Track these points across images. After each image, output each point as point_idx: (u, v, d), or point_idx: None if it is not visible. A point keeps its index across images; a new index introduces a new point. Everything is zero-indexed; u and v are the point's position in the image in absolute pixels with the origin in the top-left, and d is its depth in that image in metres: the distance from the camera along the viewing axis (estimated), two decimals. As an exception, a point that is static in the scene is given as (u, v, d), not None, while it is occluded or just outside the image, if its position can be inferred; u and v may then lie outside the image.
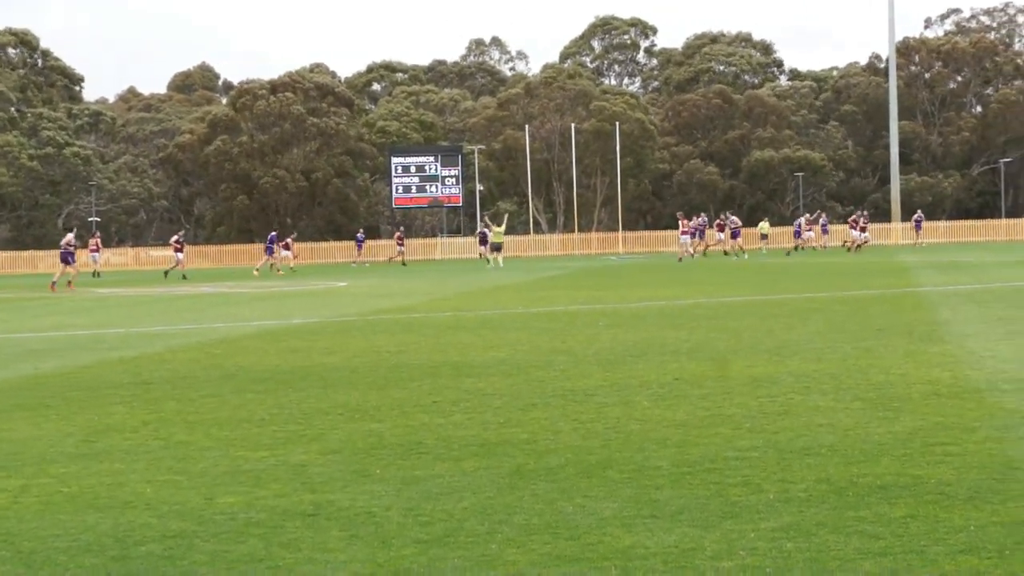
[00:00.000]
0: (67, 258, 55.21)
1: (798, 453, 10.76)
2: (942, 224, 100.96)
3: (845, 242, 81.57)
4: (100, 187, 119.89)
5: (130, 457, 11.66)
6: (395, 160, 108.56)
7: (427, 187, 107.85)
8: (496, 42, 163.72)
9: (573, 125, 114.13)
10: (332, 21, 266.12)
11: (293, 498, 9.66)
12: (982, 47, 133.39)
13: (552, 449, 11.34)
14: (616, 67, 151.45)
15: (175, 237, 72.61)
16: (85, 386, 17.30)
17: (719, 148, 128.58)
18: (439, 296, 39.58)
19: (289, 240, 78.67)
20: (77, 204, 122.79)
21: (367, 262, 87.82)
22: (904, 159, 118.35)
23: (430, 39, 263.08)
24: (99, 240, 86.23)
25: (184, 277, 65.21)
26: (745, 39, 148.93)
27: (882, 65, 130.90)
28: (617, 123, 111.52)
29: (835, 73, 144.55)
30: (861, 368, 16.55)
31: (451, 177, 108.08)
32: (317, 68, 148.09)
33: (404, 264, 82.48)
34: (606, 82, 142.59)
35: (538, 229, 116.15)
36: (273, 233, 76.02)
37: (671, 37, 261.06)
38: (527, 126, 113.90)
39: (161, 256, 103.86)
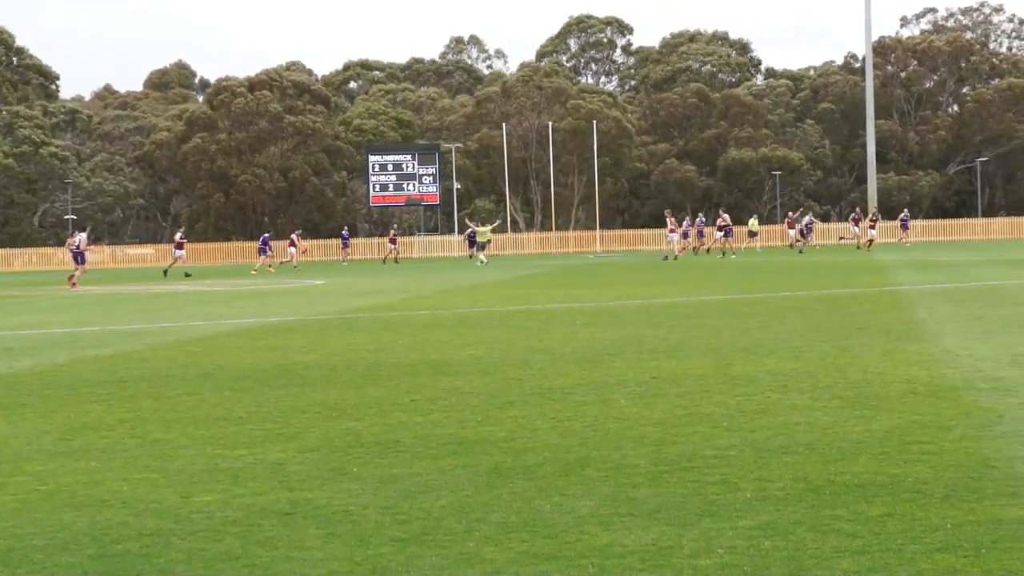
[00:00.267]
0: (77, 257, 55.13)
1: (776, 451, 10.77)
2: (919, 223, 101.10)
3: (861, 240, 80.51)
4: (76, 185, 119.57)
5: (107, 455, 11.63)
6: (372, 158, 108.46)
7: (404, 185, 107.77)
8: (474, 40, 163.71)
9: (550, 124, 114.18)
10: (309, 19, 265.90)
11: (270, 496, 9.64)
12: (958, 46, 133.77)
13: (530, 447, 11.34)
14: (593, 66, 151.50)
15: (177, 235, 72.23)
16: (62, 384, 17.25)
17: (696, 147, 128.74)
18: (417, 294, 39.55)
19: (294, 237, 78.79)
20: (53, 202, 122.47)
21: (346, 260, 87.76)
22: (881, 158, 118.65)
23: (407, 37, 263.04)
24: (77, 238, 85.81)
25: (187, 275, 65.24)
26: (722, 38, 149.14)
27: (858, 64, 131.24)
28: (594, 122, 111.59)
29: (812, 72, 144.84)
30: (839, 367, 16.58)
31: (428, 176, 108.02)
32: (294, 66, 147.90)
33: (396, 262, 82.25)
34: (583, 81, 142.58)
35: (516, 227, 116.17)
36: (266, 235, 75.84)
37: (647, 36, 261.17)
38: (504, 124, 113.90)
39: (137, 254, 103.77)
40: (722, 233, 77.55)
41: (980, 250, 68.08)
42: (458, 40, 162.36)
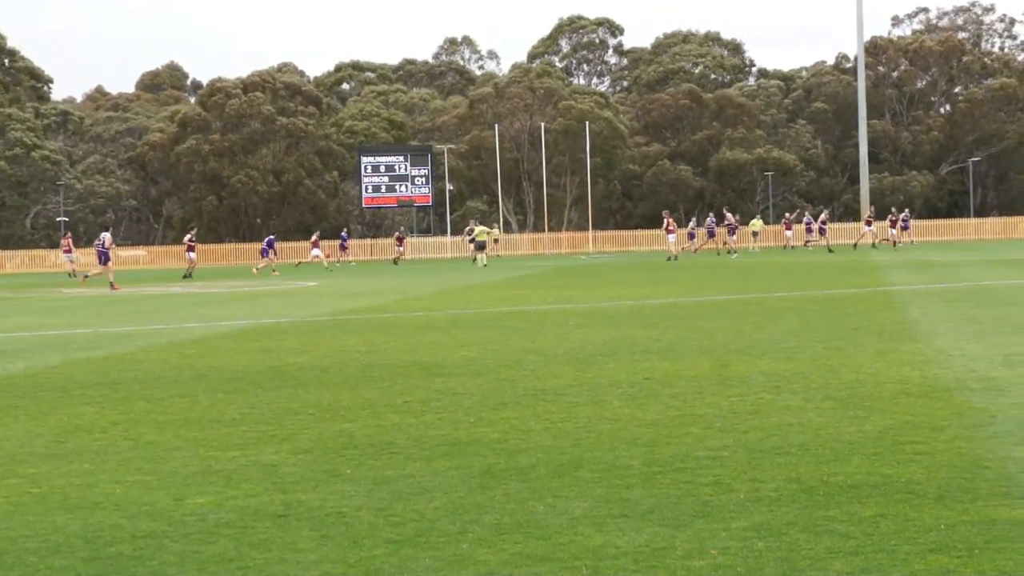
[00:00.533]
0: (101, 256, 54.96)
1: (769, 452, 10.77)
2: (912, 223, 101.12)
3: (884, 239, 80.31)
4: (68, 187, 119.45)
5: (100, 457, 11.62)
6: (364, 160, 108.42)
7: (397, 187, 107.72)
8: (467, 41, 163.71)
9: (542, 124, 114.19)
10: (300, 21, 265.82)
11: (264, 498, 9.63)
12: (949, 46, 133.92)
13: (523, 449, 11.33)
14: (585, 66, 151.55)
15: (188, 236, 71.98)
16: (54, 386, 17.23)
17: (688, 148, 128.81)
18: (410, 296, 39.54)
19: (315, 238, 78.99)
20: (45, 204, 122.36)
21: (338, 262, 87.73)
22: (873, 158, 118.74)
23: (399, 39, 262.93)
24: (71, 241, 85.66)
25: (186, 276, 65.36)
26: (715, 39, 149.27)
27: (850, 64, 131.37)
28: (586, 122, 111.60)
29: (804, 72, 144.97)
30: (832, 367, 16.59)
31: (421, 177, 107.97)
32: (285, 67, 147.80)
33: (396, 263, 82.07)
34: (575, 82, 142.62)
35: (508, 229, 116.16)
36: (271, 236, 75.77)
37: (639, 37, 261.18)
38: (496, 125, 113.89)
39: (129, 256, 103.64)
40: (733, 234, 78.09)
41: (972, 250, 68.13)
42: (451, 41, 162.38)
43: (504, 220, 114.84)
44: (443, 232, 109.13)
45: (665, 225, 73.80)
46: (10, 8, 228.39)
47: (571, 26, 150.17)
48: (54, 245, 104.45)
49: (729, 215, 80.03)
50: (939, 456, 10.36)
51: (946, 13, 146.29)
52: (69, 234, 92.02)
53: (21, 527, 8.97)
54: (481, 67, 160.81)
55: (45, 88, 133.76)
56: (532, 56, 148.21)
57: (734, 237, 77.02)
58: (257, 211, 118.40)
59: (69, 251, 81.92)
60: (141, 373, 18.65)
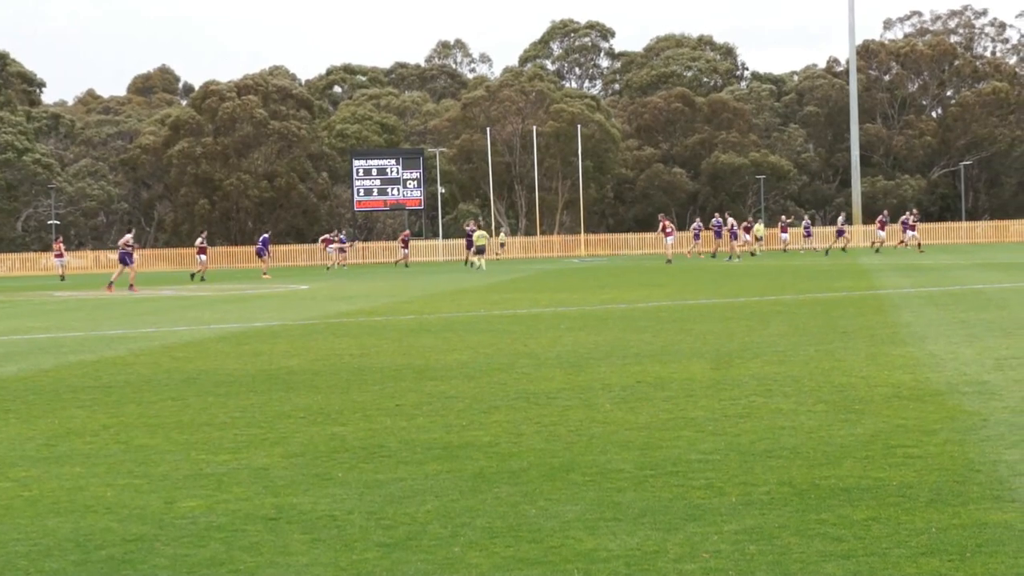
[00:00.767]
0: (125, 258, 54.76)
1: (760, 456, 10.77)
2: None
3: (902, 241, 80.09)
4: (59, 190, 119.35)
5: (91, 461, 11.60)
6: (356, 163, 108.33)
7: (388, 190, 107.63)
8: (459, 44, 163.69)
9: (534, 128, 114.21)
10: (292, 24, 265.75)
11: (255, 502, 9.62)
12: (941, 50, 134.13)
13: (515, 452, 11.33)
14: (577, 70, 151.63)
15: (199, 240, 71.75)
16: (46, 390, 17.21)
17: (681, 151, 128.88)
18: (401, 299, 39.52)
19: (329, 236, 78.89)
20: (36, 207, 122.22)
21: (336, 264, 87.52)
22: (865, 161, 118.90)
23: (391, 42, 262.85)
24: (62, 244, 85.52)
25: (192, 277, 65.44)
26: (707, 42, 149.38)
27: (842, 68, 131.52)
28: (578, 125, 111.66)
29: (795, 77, 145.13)
30: (823, 371, 16.60)
31: (412, 180, 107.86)
32: (276, 71, 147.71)
33: (407, 266, 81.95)
34: (567, 85, 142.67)
35: (499, 232, 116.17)
36: (265, 235, 75.49)
37: (631, 40, 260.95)
38: (488, 129, 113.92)
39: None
40: (750, 234, 78.56)
41: (964, 254, 68.20)
42: (444, 44, 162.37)
43: (496, 223, 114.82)
44: (435, 235, 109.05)
45: (662, 228, 73.82)
46: (2, 12, 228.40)
47: (563, 29, 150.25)
48: (45, 248, 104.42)
49: (731, 219, 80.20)
50: (931, 459, 10.36)
51: (939, 16, 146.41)
52: (60, 237, 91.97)
53: (11, 530, 8.95)
54: (473, 70, 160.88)
55: (36, 92, 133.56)
56: (524, 59, 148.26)
57: (735, 240, 77.14)
58: (249, 214, 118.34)
59: (61, 255, 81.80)
60: (132, 376, 18.63)
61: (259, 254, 73.00)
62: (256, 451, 11.84)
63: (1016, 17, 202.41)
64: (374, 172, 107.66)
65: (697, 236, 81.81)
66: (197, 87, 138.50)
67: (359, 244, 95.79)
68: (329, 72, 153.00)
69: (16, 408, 15.41)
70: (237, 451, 11.87)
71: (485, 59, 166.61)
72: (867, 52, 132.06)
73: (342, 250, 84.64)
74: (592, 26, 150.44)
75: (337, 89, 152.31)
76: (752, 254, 78.60)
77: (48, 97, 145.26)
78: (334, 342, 23.75)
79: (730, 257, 73.96)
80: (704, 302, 33.20)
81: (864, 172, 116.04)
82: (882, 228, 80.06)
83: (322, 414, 14.10)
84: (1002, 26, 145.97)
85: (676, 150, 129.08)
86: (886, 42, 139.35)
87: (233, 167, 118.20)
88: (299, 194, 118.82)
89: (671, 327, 24.90)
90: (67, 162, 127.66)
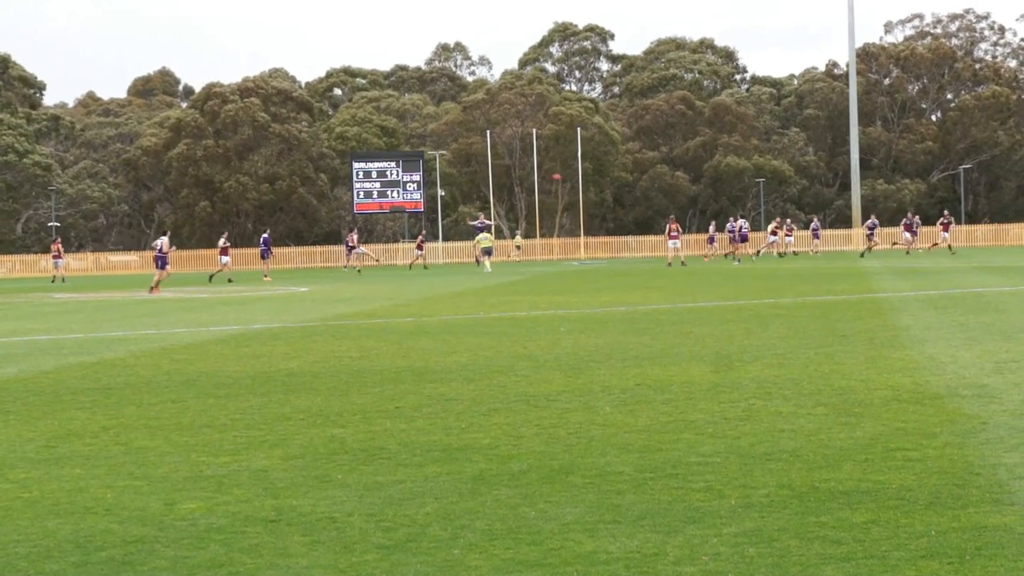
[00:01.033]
0: (159, 261, 54.63)
1: (760, 458, 10.78)
2: (898, 231, 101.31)
3: (936, 243, 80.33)
4: (59, 192, 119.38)
5: (91, 463, 11.61)
6: (356, 165, 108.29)
7: (388, 192, 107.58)
8: (459, 47, 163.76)
9: (534, 131, 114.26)
10: (293, 27, 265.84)
11: (255, 503, 9.62)
12: (940, 53, 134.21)
13: (514, 454, 11.33)
14: (577, 73, 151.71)
15: (221, 241, 71.66)
16: (45, 391, 17.22)
17: (681, 154, 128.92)
18: (401, 301, 39.52)
19: (354, 236, 78.82)
20: (36, 209, 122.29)
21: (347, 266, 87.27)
22: (865, 165, 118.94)
23: (391, 44, 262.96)
24: (60, 246, 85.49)
25: (230, 280, 65.44)
26: (708, 45, 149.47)
27: (841, 71, 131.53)
28: (577, 128, 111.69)
29: (795, 80, 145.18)
30: (823, 373, 16.60)
31: (413, 183, 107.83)
32: (276, 73, 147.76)
33: (425, 267, 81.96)
34: (567, 88, 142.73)
35: (500, 235, 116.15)
36: (265, 235, 75.35)
37: (630, 43, 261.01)
38: (488, 132, 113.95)
39: (120, 261, 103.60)
40: (777, 235, 79.28)
41: (963, 257, 68.20)
42: (444, 47, 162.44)
43: (496, 226, 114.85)
44: (435, 238, 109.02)
45: (668, 231, 73.78)
46: (2, 13, 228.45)
47: (562, 32, 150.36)
48: (45, 250, 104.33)
49: (743, 221, 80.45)
50: (930, 462, 10.36)
51: (939, 19, 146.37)
52: (59, 239, 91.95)
53: (12, 532, 8.96)
54: (473, 73, 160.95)
55: (37, 94, 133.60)
56: (524, 62, 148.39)
57: (740, 244, 77.26)
58: (249, 217, 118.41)
59: (59, 256, 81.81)
60: (132, 378, 18.64)
61: (263, 255, 72.98)
62: (256, 453, 11.84)
63: (1016, 20, 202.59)
64: (374, 175, 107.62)
65: (712, 240, 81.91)
66: (197, 89, 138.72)
67: (369, 248, 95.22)
68: (329, 74, 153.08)
69: (16, 410, 15.41)
70: (237, 453, 11.87)
71: (485, 62, 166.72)
72: (867, 55, 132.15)
73: (351, 251, 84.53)
74: (592, 29, 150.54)
75: (337, 91, 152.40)
76: (780, 255, 79.11)
77: (48, 99, 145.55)
78: (333, 344, 23.76)
79: (736, 259, 74.10)
80: (703, 305, 33.21)
81: (864, 175, 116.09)
82: (908, 231, 79.80)
83: (322, 416, 14.11)
84: (1002, 29, 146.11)
85: (677, 153, 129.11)
86: (886, 45, 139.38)
87: (234, 169, 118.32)
88: (299, 197, 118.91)
89: (670, 330, 24.91)
90: (67, 164, 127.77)
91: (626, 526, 8.56)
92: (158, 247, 55.72)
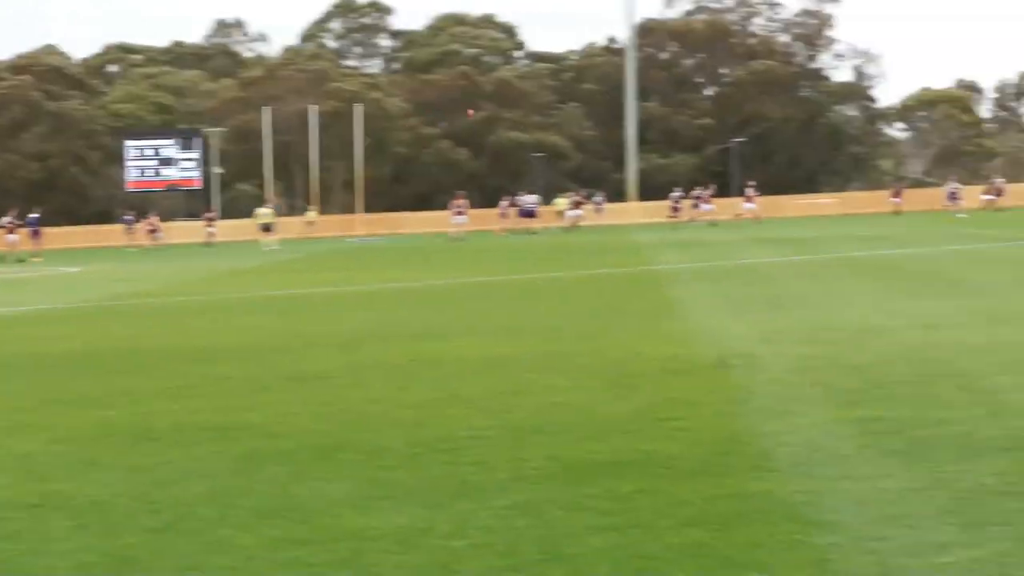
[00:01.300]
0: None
1: (531, 431, 10.83)
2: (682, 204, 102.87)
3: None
4: None
5: None
6: (130, 143, 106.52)
7: (165, 170, 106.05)
8: (238, 24, 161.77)
9: (313, 106, 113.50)
10: (66, 2, 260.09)
11: (17, 489, 9.40)
12: (716, 28, 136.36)
13: (285, 432, 11.23)
14: (358, 48, 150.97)
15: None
16: None
17: (463, 130, 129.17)
18: (178, 281, 39.02)
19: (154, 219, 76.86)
20: None
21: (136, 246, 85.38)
22: (643, 139, 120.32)
23: (168, 21, 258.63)
24: None
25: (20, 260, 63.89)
26: (490, 21, 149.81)
27: (619, 46, 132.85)
28: (356, 104, 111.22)
29: (575, 55, 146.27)
30: (597, 346, 16.73)
31: (189, 160, 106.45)
32: (49, 49, 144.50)
33: (208, 246, 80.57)
34: (349, 64, 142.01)
35: (278, 211, 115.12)
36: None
37: (411, 19, 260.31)
38: (266, 108, 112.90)
39: None
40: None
41: (735, 229, 69.46)
42: (222, 23, 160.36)
43: (274, 203, 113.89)
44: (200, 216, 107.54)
45: (454, 206, 73.79)
46: None
47: (343, 8, 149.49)
48: None
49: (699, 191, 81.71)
50: (698, 432, 10.52)
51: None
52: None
53: None
54: (251, 50, 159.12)
55: None
56: (304, 38, 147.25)
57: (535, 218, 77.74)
58: (17, 197, 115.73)
59: None
60: None
61: (32, 236, 71.21)
62: (20, 437, 11.56)
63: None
64: (150, 152, 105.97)
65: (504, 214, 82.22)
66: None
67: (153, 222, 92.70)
68: (105, 51, 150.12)
69: None
70: None
71: (263, 38, 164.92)
72: (646, 30, 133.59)
73: (130, 230, 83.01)
74: (372, 5, 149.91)
75: (113, 68, 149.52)
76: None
77: None
78: (107, 325, 23.38)
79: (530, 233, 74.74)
80: (483, 280, 33.35)
81: (642, 149, 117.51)
82: (750, 201, 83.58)
83: (90, 398, 13.83)
84: (776, 5, 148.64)
85: (458, 128, 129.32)
86: (666, 20, 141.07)
87: (3, 148, 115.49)
88: (71, 176, 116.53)
89: (447, 305, 24.98)
90: None
91: (397, 502, 8.54)
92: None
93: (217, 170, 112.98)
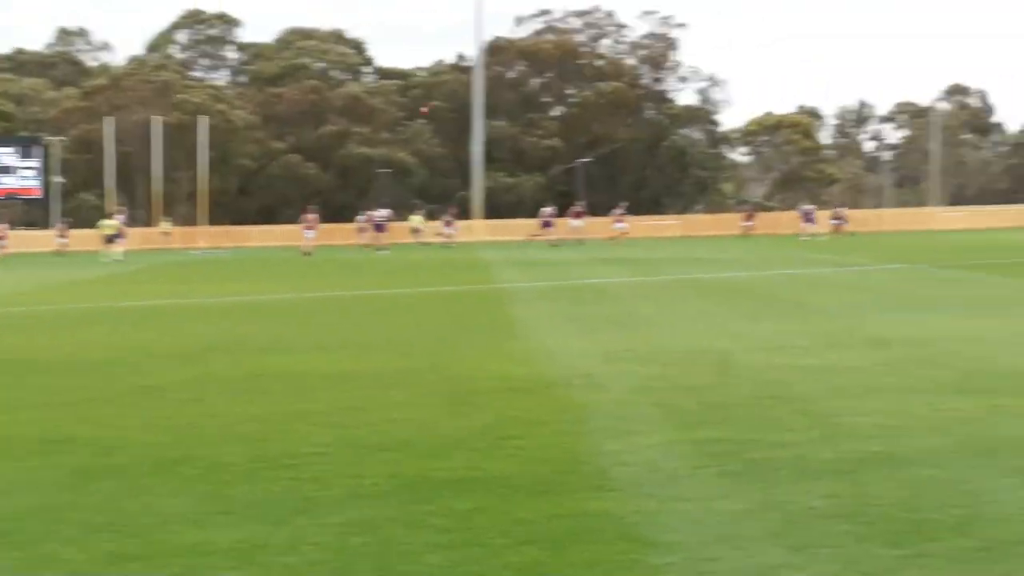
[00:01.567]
0: None
1: (372, 448, 10.78)
2: (521, 223, 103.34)
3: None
4: None
5: None
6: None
7: (3, 179, 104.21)
8: (82, 32, 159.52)
9: (157, 118, 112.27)
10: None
11: None
12: (565, 49, 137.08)
13: (122, 446, 11.06)
14: (205, 60, 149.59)
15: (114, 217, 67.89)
16: None
17: (311, 144, 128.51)
18: (12, 291, 38.30)
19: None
20: None
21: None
22: (489, 158, 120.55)
23: (10, 27, 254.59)
24: None
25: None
26: (338, 36, 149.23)
27: (468, 64, 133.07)
28: (201, 116, 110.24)
29: (423, 72, 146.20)
30: (440, 363, 16.70)
31: (29, 168, 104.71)
32: None
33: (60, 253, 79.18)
34: (195, 75, 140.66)
35: (125, 222, 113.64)
36: None
37: (260, 32, 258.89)
38: (109, 118, 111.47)
39: None
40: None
41: (578, 249, 69.84)
42: (65, 31, 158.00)
43: (115, 215, 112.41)
44: (52, 226, 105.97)
45: (304, 220, 73.61)
46: None
47: (190, 18, 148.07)
48: None
49: (383, 212, 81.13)
50: (538, 451, 10.53)
51: (567, 15, 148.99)
52: None
53: None
54: (96, 58, 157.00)
55: None
56: (150, 48, 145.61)
57: (383, 233, 77.56)
58: None
59: None
60: None
61: None
62: None
63: (637, 17, 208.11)
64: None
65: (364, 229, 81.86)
66: None
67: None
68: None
69: None
70: None
71: (109, 47, 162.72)
72: (495, 49, 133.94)
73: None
74: (220, 16, 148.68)
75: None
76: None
77: None
78: (-60, 334, 22.86)
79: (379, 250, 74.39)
80: (328, 295, 33.16)
81: (488, 168, 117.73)
82: (577, 217, 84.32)
83: (-80, 409, 13.52)
84: (623, 27, 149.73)
85: (307, 143, 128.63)
86: (515, 40, 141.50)
87: None
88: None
89: (291, 319, 24.81)
90: None
91: (235, 517, 8.46)
92: None
93: (58, 179, 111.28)
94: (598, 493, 8.94)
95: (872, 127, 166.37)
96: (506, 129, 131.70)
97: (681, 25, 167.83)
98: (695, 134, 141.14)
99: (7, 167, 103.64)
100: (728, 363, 16.10)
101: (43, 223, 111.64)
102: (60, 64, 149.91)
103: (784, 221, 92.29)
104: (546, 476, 9.53)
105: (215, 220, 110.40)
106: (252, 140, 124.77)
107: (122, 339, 21.29)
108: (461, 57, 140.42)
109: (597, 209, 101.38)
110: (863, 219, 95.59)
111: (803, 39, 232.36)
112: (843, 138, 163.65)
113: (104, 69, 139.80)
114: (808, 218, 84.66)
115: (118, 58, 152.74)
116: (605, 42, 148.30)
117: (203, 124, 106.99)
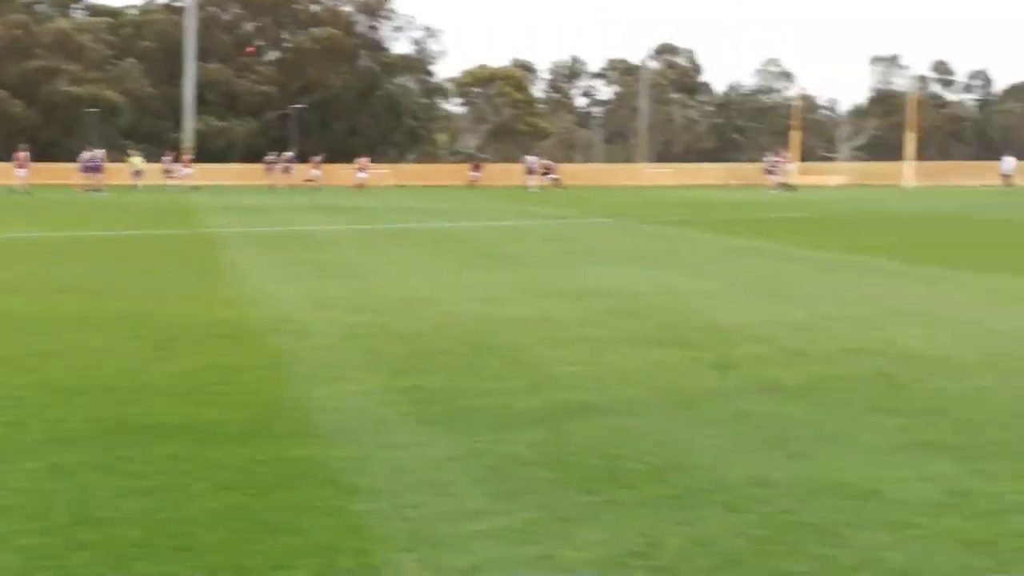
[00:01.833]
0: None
1: (72, 392, 10.54)
2: (232, 167, 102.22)
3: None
4: None
5: None
6: None
7: None
8: None
9: None
10: None
11: None
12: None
13: None
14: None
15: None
16: None
17: (15, 80, 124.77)
18: None
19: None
20: None
21: None
22: (202, 101, 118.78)
23: None
24: None
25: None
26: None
27: (180, 4, 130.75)
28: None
29: (135, 11, 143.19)
30: (146, 309, 16.39)
31: None
32: None
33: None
34: None
35: None
36: None
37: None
38: None
39: None
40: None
41: (291, 196, 69.42)
42: None
43: None
44: None
45: (16, 159, 71.95)
46: None
47: None
48: None
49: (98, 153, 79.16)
50: (242, 397, 10.43)
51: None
52: None
53: None
54: None
55: None
56: None
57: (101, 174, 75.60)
58: None
59: None
60: None
61: None
62: None
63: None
64: None
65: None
66: None
67: None
68: None
69: None
70: None
71: None
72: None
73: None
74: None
75: None
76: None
77: None
78: None
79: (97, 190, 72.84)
80: (20, 235, 32.31)
81: (200, 111, 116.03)
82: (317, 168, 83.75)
83: None
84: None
85: (12, 78, 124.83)
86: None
87: None
88: None
89: (-9, 260, 24.13)
90: None
91: (-80, 463, 8.19)
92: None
93: None
94: (302, 439, 8.89)
95: (584, 83, 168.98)
96: (219, 72, 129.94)
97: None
98: (409, 84, 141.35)
99: None
100: (437, 312, 16.19)
101: None
102: None
103: (511, 173, 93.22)
104: (249, 422, 9.45)
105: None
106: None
107: None
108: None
109: (308, 157, 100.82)
110: (574, 173, 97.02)
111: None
112: (556, 93, 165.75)
113: None
114: (532, 170, 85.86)
115: None
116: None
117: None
